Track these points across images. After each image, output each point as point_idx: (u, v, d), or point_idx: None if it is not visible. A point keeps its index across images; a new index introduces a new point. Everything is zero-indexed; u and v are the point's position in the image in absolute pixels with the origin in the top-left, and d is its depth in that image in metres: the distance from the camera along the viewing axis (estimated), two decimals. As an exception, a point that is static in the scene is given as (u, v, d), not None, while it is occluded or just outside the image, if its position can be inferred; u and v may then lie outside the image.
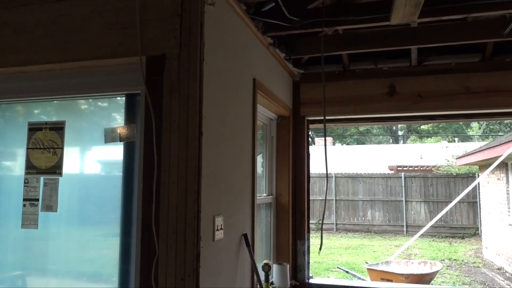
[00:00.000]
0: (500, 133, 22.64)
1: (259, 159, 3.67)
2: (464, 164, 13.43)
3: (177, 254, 1.86)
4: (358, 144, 32.14)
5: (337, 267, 8.07)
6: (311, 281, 3.68)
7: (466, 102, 3.42)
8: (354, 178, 16.13)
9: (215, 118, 2.08)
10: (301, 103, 3.78)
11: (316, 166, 20.29)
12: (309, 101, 3.77)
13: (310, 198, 13.98)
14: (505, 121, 25.75)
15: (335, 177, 16.21)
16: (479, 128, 27.48)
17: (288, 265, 3.42)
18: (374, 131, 36.28)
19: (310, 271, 3.77)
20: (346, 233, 15.17)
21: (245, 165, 2.53)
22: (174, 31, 1.96)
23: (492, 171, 10.63)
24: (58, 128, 2.19)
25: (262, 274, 3.02)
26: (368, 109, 3.65)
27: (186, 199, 1.87)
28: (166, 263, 1.87)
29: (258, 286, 2.54)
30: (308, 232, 3.76)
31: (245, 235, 2.45)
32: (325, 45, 3.32)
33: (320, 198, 16.17)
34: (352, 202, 15.91)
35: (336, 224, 15.83)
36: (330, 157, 22.77)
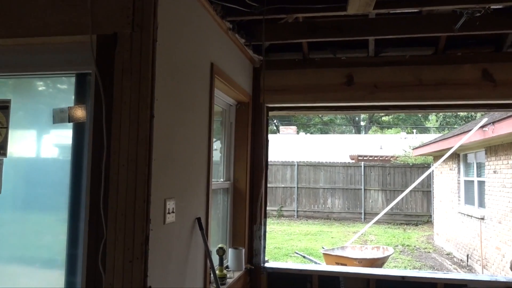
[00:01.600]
0: (455, 126, 23.61)
1: (218, 145, 3.67)
2: (420, 155, 13.96)
3: (126, 237, 1.84)
4: (321, 133, 32.66)
5: (295, 252, 8.25)
6: (266, 265, 3.74)
7: (419, 93, 3.54)
8: (316, 166, 16.43)
9: (168, 100, 2.06)
10: (261, 90, 3.79)
11: (280, 154, 20.48)
12: (270, 88, 3.78)
13: (273, 185, 14.14)
14: (461, 114, 26.86)
15: (298, 165, 16.45)
16: (436, 121, 28.53)
17: (243, 250, 3.47)
18: (338, 121, 36.95)
19: (265, 255, 3.83)
20: (307, 220, 15.49)
21: (200, 149, 2.52)
22: (127, 10, 1.91)
23: (445, 162, 11.11)
24: (2, 107, 2.10)
25: (216, 258, 3.05)
26: (326, 97, 3.71)
27: (136, 182, 1.85)
28: (115, 246, 1.85)
29: (211, 269, 2.56)
30: (265, 217, 3.81)
31: (198, 219, 2.46)
32: (285, 33, 3.35)
33: (283, 186, 16.40)
34: (313, 190, 16.23)
35: (297, 211, 16.12)
36: (294, 146, 23.07)
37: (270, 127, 35.83)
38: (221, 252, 2.98)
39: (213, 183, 3.43)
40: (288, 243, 10.87)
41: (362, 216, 15.55)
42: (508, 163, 7.29)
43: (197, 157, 2.47)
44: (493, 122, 6.68)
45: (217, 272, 3.01)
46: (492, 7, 2.76)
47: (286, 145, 22.60)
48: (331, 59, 3.68)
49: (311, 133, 31.37)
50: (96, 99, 1.93)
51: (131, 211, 1.85)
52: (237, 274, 3.30)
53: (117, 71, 1.92)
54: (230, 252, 3.44)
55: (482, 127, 7.20)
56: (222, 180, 3.55)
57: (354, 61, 3.64)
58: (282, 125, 32.12)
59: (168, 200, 2.06)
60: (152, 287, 1.89)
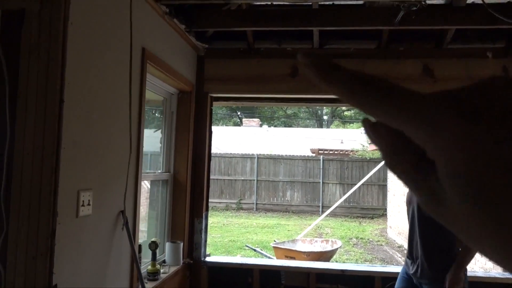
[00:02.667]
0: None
1: (158, 135, 3.54)
2: (376, 149, 14.26)
3: (30, 232, 1.70)
4: (285, 126, 32.86)
5: (246, 246, 8.23)
6: (207, 259, 3.66)
7: (363, 87, 3.53)
8: (276, 159, 16.48)
9: (83, 85, 1.91)
10: (205, 79, 3.68)
11: (242, 146, 20.38)
12: (214, 77, 3.68)
13: (233, 178, 13.98)
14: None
15: (258, 158, 16.43)
16: (395, 117, 29.30)
17: (181, 243, 3.37)
18: (301, 115, 37.30)
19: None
20: (265, 213, 15.52)
21: (128, 138, 2.39)
22: (34, -16, 1.76)
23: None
24: None
25: (149, 253, 2.93)
26: (271, 88, 3.64)
27: (41, 172, 1.71)
28: (17, 241, 1.71)
29: (135, 264, 2.44)
30: (207, 210, 3.72)
31: (123, 212, 2.33)
32: (228, 20, 3.24)
33: (242, 178, 16.35)
34: (273, 183, 16.28)
35: (257, 204, 16.13)
36: (256, 138, 23.05)
37: (233, 119, 35.72)
38: (154, 247, 2.87)
39: (151, 174, 3.31)
40: (244, 236, 10.84)
41: (320, 209, 15.76)
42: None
43: (123, 147, 2.34)
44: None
45: (149, 267, 2.90)
46: (428, 2, 2.76)
47: (248, 137, 22.57)
48: (276, 49, 3.61)
49: (275, 126, 31.49)
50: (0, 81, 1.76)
51: (36, 203, 1.71)
52: (173, 269, 3.20)
53: (23, 51, 1.76)
54: (167, 246, 3.34)
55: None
56: (160, 171, 3.42)
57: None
58: (245, 117, 32.07)
59: (83, 191, 1.92)
60: (60, 285, 1.76)
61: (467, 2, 2.91)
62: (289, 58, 3.60)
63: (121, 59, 2.28)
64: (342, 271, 3.52)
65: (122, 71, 2.30)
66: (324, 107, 35.28)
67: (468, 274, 3.64)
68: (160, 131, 3.53)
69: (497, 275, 3.52)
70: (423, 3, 2.61)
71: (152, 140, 3.59)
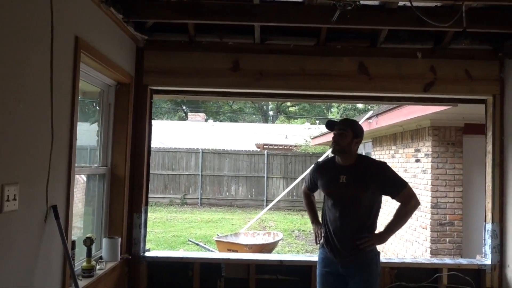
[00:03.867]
0: (353, 117, 25.28)
1: (95, 127, 3.42)
2: (318, 144, 14.70)
3: None
4: (231, 121, 32.88)
5: (188, 240, 8.18)
6: (146, 254, 3.60)
7: (303, 83, 3.63)
8: (221, 154, 16.48)
9: (6, 73, 1.81)
10: (144, 71, 3.60)
11: (187, 141, 20.17)
12: (154, 69, 3.61)
13: (177, 173, 13.82)
14: (359, 107, 28.83)
15: (202, 152, 16.35)
16: (337, 113, 30.26)
17: (119, 239, 3.29)
18: (247, 110, 37.50)
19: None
20: (210, 208, 15.50)
21: (60, 130, 2.29)
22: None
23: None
24: None
25: (85, 249, 2.84)
26: (213, 82, 3.64)
27: (-40, 165, 1.60)
28: None
29: (67, 262, 2.35)
30: (146, 205, 3.65)
31: (54, 207, 2.24)
32: (168, 12, 3.19)
33: (187, 173, 16.19)
34: (218, 178, 16.27)
35: (201, 198, 16.07)
36: (201, 133, 22.89)
37: (178, 113, 35.17)
38: (89, 242, 2.78)
39: (87, 168, 3.20)
40: (187, 231, 10.76)
41: (264, 203, 15.97)
42: (389, 153, 7.94)
43: (54, 140, 2.23)
44: (377, 115, 7.21)
45: (84, 263, 2.81)
46: (362, 2, 2.89)
47: (194, 132, 22.34)
48: (218, 43, 3.61)
49: (220, 121, 31.43)
50: None
51: (-46, 199, 1.60)
52: (110, 265, 3.12)
53: None
54: (104, 242, 3.24)
55: (368, 119, 7.73)
56: (97, 165, 3.31)
57: (241, 47, 3.61)
58: (191, 112, 31.71)
59: (8, 185, 1.82)
60: (-18, 284, 1.66)
61: (399, 4, 3.07)
62: (230, 52, 3.61)
63: (56, 48, 2.17)
64: (281, 261, 3.61)
65: (57, 60, 2.19)
66: (270, 102, 35.75)
67: (397, 261, 3.88)
68: (97, 124, 3.41)
69: (423, 261, 3.78)
70: (358, 3, 2.72)
71: (91, 133, 3.46)
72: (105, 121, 3.38)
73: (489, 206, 3.59)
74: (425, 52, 3.62)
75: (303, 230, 11.55)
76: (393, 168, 3.03)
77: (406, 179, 2.94)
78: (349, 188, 2.80)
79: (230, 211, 14.94)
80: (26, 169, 1.98)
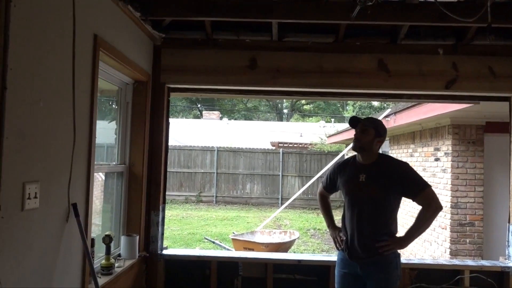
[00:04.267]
0: (369, 115, 25.01)
1: (112, 125, 3.43)
2: (334, 142, 14.59)
3: (-31, 226, 1.60)
4: (245, 119, 32.89)
5: (204, 238, 8.19)
6: (164, 252, 3.60)
7: (320, 80, 3.58)
8: (236, 152, 16.49)
9: (28, 71, 1.81)
10: (162, 69, 3.60)
11: (201, 139, 20.24)
12: (171, 67, 3.61)
13: (192, 171, 13.88)
14: (375, 105, 28.53)
15: (218, 150, 16.38)
16: (353, 111, 30.03)
17: (137, 237, 3.30)
18: (262, 108, 37.46)
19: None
20: (225, 205, 15.53)
21: (80, 128, 2.30)
22: (-27, -38, 1.64)
23: (356, 150, 11.67)
24: None
25: (103, 247, 2.85)
26: (230, 80, 3.62)
27: (-18, 163, 1.61)
28: (-46, 236, 1.60)
29: (87, 259, 2.36)
30: (164, 203, 3.66)
31: (74, 205, 2.25)
32: (184, 10, 3.18)
33: (202, 171, 16.25)
34: (233, 176, 16.29)
35: (216, 196, 16.10)
36: (216, 131, 22.95)
37: (193, 112, 35.33)
38: (108, 240, 2.79)
39: (105, 166, 3.21)
40: (203, 229, 10.80)
41: (279, 201, 15.94)
42: (407, 152, 7.82)
43: (74, 137, 2.24)
44: (395, 113, 7.10)
45: (103, 261, 2.82)
46: (383, -3, 2.83)
47: (208, 130, 22.41)
48: (235, 41, 3.58)
49: (235, 119, 31.46)
50: None
51: (-24, 197, 1.61)
52: (129, 263, 3.13)
53: (-39, 34, 1.64)
54: (122, 240, 3.26)
55: (385, 117, 7.63)
56: (115, 163, 3.32)
57: (258, 45, 3.58)
58: (206, 110, 31.81)
59: (29, 183, 1.83)
60: (4, 283, 1.67)
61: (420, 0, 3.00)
62: (248, 50, 3.58)
63: (77, 47, 2.18)
64: (299, 261, 3.57)
65: (78, 58, 2.20)
66: (284, 100, 35.65)
67: (417, 262, 3.80)
68: (115, 122, 3.42)
69: (445, 262, 3.70)
70: (378, -1, 2.66)
71: (108, 132, 3.48)
72: (123, 119, 3.39)
73: (513, 206, 3.49)
74: (446, 48, 3.54)
75: (318, 229, 11.47)
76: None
77: (425, 179, 2.86)
78: (368, 187, 2.75)
79: (245, 209, 14.94)
80: (46, 167, 1.99)
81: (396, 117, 7.01)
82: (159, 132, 3.60)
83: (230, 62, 3.58)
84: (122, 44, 2.89)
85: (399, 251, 2.83)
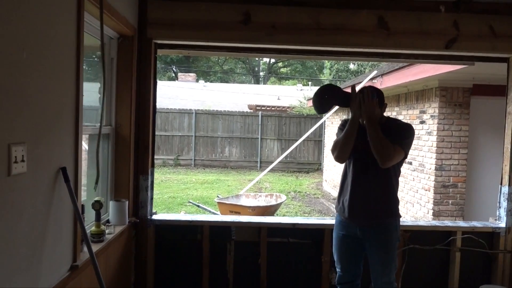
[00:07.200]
0: (345, 80, 24.95)
1: (96, 84, 3.18)
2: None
3: (-50, 193, 1.41)
4: (221, 82, 32.35)
5: (188, 202, 8.10)
6: (154, 217, 3.46)
7: (317, 38, 3.39)
8: (214, 115, 16.24)
9: (7, 21, 1.57)
10: (148, 23, 3.32)
11: (178, 101, 19.84)
12: (158, 21, 3.33)
13: (170, 134, 13.68)
14: (352, 69, 28.47)
15: (195, 113, 16.08)
16: (330, 74, 29.90)
17: (127, 202, 3.14)
18: (238, 70, 36.87)
19: (153, 207, 3.54)
20: (204, 169, 15.43)
21: (65, 86, 2.07)
22: None
23: (336, 113, 11.66)
24: None
25: (92, 213, 2.69)
26: (221, 36, 3.38)
27: (-39, 122, 1.40)
28: None
29: (79, 225, 2.20)
30: (153, 166, 3.48)
31: (63, 169, 2.06)
32: (175, -45, 2.89)
33: (180, 134, 15.98)
34: (211, 139, 16.11)
35: (195, 160, 15.96)
36: (193, 93, 22.49)
37: (168, 74, 34.40)
38: (98, 206, 2.62)
39: (90, 127, 2.99)
40: (184, 192, 10.69)
41: (258, 165, 15.96)
42: (391, 115, 7.81)
43: (60, 96, 2.02)
44: (382, 75, 7.01)
45: (93, 228, 2.67)
46: None
47: (185, 92, 21.93)
48: (228, -7, 3.32)
49: (211, 81, 30.90)
50: None
51: (-44, 160, 1.40)
52: (118, 229, 2.99)
53: None
54: (111, 205, 3.09)
55: (371, 79, 7.53)
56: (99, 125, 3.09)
57: (252, -3, 3.34)
58: (181, 72, 31.03)
59: (15, 145, 1.62)
60: (-7, 253, 1.50)
61: (426, -49, 2.82)
62: (241, 3, 3.34)
63: (55, -11, 1.92)
64: (293, 224, 3.51)
65: (61, 8, 1.94)
66: (261, 63, 35.10)
67: (411, 223, 3.82)
68: (98, 82, 3.16)
69: (438, 224, 3.72)
70: None
71: (92, 92, 3.22)
72: (108, 77, 3.14)
73: (506, 168, 3.49)
74: (448, 5, 3.39)
75: (299, 191, 11.57)
76: None
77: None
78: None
79: (225, 172, 14.89)
80: (32, 128, 1.78)
81: (383, 79, 6.92)
82: (146, 91, 3.38)
83: (222, 17, 3.33)
84: (106, -8, 2.60)
85: (400, 213, 2.82)
